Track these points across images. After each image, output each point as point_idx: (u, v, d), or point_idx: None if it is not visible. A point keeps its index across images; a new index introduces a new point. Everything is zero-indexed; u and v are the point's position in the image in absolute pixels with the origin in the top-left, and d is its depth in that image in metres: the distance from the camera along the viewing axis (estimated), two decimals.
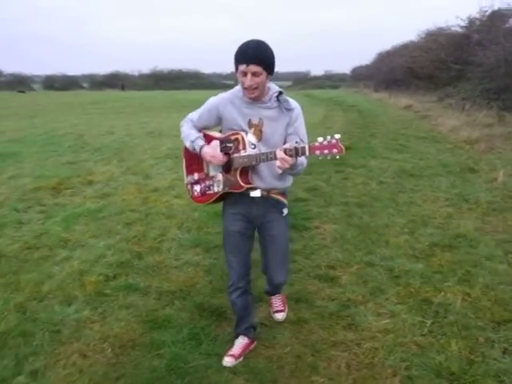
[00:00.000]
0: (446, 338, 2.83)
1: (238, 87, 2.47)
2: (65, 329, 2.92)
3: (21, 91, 51.39)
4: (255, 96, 2.38)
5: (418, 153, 9.22)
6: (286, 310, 3.11)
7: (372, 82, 42.72)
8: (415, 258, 4.04)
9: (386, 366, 2.58)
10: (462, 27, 25.72)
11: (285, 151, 2.22)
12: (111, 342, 2.79)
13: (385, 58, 42.18)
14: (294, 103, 2.51)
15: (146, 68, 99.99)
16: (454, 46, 24.67)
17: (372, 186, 6.60)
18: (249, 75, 2.30)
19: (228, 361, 2.64)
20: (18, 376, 2.48)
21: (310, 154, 2.19)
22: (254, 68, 2.28)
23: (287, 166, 2.23)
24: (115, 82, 73.63)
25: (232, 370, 2.56)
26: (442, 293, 3.38)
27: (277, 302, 3.08)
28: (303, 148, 2.20)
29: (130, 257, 4.03)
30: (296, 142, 2.37)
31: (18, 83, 69.55)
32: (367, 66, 53.14)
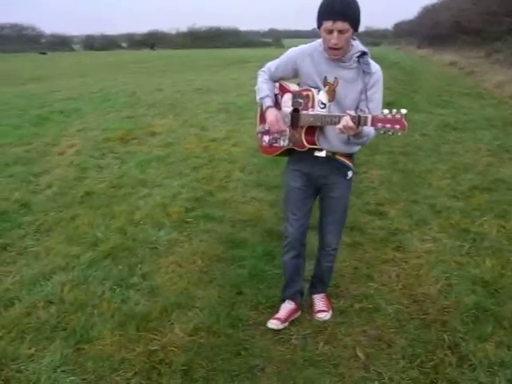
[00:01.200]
0: (481, 257, 3.33)
1: (319, 40, 2.36)
2: (160, 246, 3.57)
3: (42, 53, 50.86)
4: (339, 55, 2.28)
5: (461, 108, 9.44)
6: (330, 312, 2.78)
7: (416, 38, 41.60)
8: (455, 198, 4.50)
9: (429, 276, 3.11)
10: None
11: (351, 118, 2.14)
12: (200, 256, 3.42)
13: (430, 12, 40.83)
14: (375, 67, 2.35)
15: (183, 26, 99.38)
16: None
17: (415, 137, 6.98)
18: (335, 33, 2.18)
19: (273, 323, 2.64)
20: (133, 277, 3.14)
21: (371, 125, 2.11)
22: (340, 25, 2.15)
23: (350, 132, 2.18)
24: (153, 40, 74.03)
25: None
26: (480, 225, 3.85)
27: (319, 303, 2.81)
28: (366, 118, 2.11)
29: (202, 193, 4.64)
30: (361, 110, 2.30)
31: (60, 44, 70.92)
32: (410, 22, 51.51)
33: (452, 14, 30.32)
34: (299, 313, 2.76)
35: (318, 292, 2.86)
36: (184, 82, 15.09)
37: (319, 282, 2.87)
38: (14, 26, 76.01)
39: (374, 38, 67.44)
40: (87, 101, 11.49)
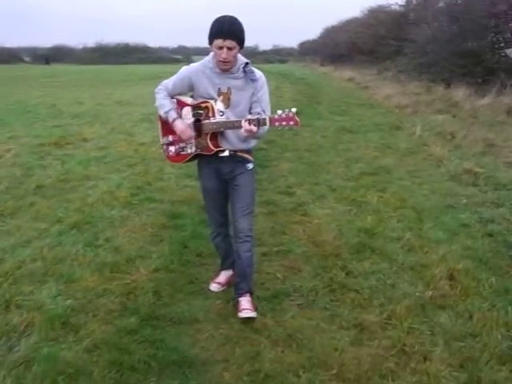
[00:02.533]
0: (364, 215, 4.48)
1: (207, 58, 2.73)
2: (115, 220, 4.33)
3: None
4: (228, 68, 2.65)
5: (356, 116, 10.96)
6: (255, 313, 2.85)
7: (319, 57, 44.44)
8: (348, 180, 5.70)
9: (326, 229, 4.18)
10: (400, 5, 27.60)
11: (248, 122, 2.53)
12: (149, 226, 4.24)
13: (330, 32, 43.78)
14: (258, 74, 2.75)
15: (90, 41, 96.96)
16: (393, 23, 26.54)
17: (317, 138, 8.24)
18: (225, 49, 2.55)
19: (215, 286, 3.19)
20: (98, 241, 3.89)
21: (270, 125, 2.54)
22: (229, 43, 2.53)
23: (251, 134, 2.59)
24: (59, 55, 71.77)
25: None
26: (364, 196, 5.05)
27: (246, 303, 2.88)
28: (264, 119, 2.53)
29: (141, 183, 5.44)
30: (258, 113, 2.66)
31: None
32: (314, 41, 54.64)
33: (349, 35, 33.04)
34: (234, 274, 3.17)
35: (244, 292, 2.93)
36: (102, 96, 15.52)
37: (243, 280, 2.95)
38: None
39: (281, 55, 70.70)
40: (6, 112, 11.63)
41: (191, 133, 2.77)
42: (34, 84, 21.77)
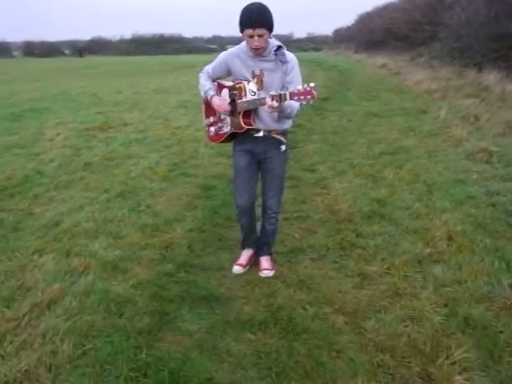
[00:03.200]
0: (378, 188, 4.88)
1: (243, 43, 2.87)
2: (154, 191, 4.91)
3: None
4: (260, 52, 2.81)
5: (384, 100, 11.22)
6: (273, 271, 3.27)
7: (353, 44, 44.14)
8: (368, 158, 6.09)
9: (343, 200, 4.61)
10: None
11: (272, 97, 2.65)
12: (185, 196, 4.79)
13: (365, 19, 43.35)
14: (289, 56, 2.87)
15: (127, 33, 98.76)
16: (428, 8, 26.19)
17: (343, 122, 8.62)
18: (255, 37, 2.70)
19: (237, 269, 3.28)
20: (140, 207, 4.46)
21: (290, 98, 2.63)
22: (259, 31, 2.68)
23: (274, 110, 2.71)
24: (97, 47, 73.71)
25: None
26: (381, 172, 5.44)
27: (265, 262, 3.32)
28: (285, 94, 2.63)
29: (178, 161, 6.01)
30: (281, 89, 2.76)
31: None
32: (348, 28, 54.15)
33: (384, 21, 32.76)
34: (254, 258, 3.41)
35: (265, 254, 3.37)
36: (140, 85, 16.25)
37: (265, 245, 3.37)
38: None
39: (316, 43, 70.43)
40: (53, 101, 12.46)
41: (227, 107, 2.94)
42: (75, 75, 22.81)
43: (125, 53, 67.32)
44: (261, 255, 3.37)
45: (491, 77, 12.74)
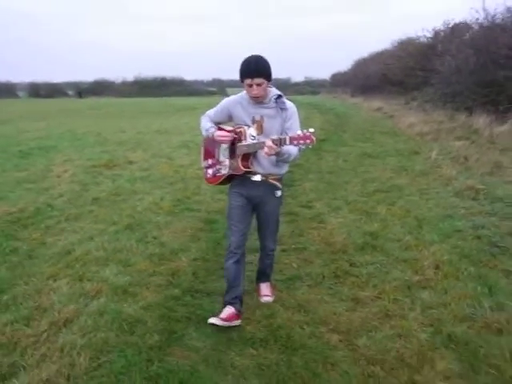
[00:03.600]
0: (372, 223, 5.18)
1: (245, 91, 3.06)
2: (160, 224, 5.18)
3: None
4: (260, 100, 3.00)
5: (378, 142, 11.67)
6: (273, 297, 3.48)
7: (349, 88, 45.38)
8: (362, 196, 6.42)
9: (338, 233, 4.90)
10: (427, 38, 28.40)
11: (272, 141, 2.78)
12: (189, 228, 5.07)
13: (361, 64, 44.72)
14: (289, 104, 3.07)
15: (129, 75, 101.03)
16: (421, 55, 27.25)
17: (339, 162, 9.00)
18: (254, 86, 2.90)
19: (214, 320, 2.99)
20: (147, 238, 4.74)
21: (290, 142, 2.76)
22: (257, 80, 2.88)
23: (273, 152, 2.80)
24: (100, 88, 75.43)
25: None
26: (375, 208, 5.75)
27: (265, 289, 3.54)
28: (284, 138, 2.77)
29: (181, 197, 6.32)
30: (281, 134, 2.92)
31: (4, 91, 70.48)
32: (345, 73, 55.67)
33: (380, 67, 33.90)
34: (239, 321, 3.08)
35: (264, 281, 3.58)
36: (142, 126, 16.76)
37: (263, 275, 3.57)
38: None
39: (313, 87, 72.12)
40: (59, 140, 12.88)
41: (229, 137, 3.07)
42: (79, 115, 23.45)
43: (127, 94, 68.76)
44: (261, 282, 3.58)
45: (481, 120, 13.28)
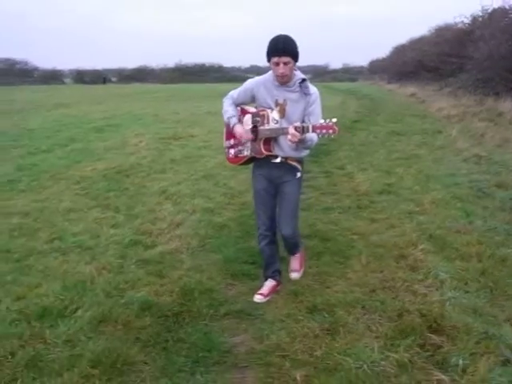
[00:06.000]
0: (390, 178, 6.64)
1: (270, 72, 3.03)
2: (228, 175, 6.80)
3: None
4: (285, 81, 2.96)
5: (407, 123, 12.98)
6: (302, 271, 3.54)
7: (386, 75, 45.95)
8: (386, 161, 7.87)
9: (364, 184, 6.39)
10: (465, 24, 28.89)
11: (295, 128, 2.77)
12: (249, 178, 6.66)
13: (399, 51, 45.11)
14: (312, 89, 3.03)
15: (170, 62, 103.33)
16: (457, 41, 27.84)
17: (369, 138, 10.44)
18: (281, 64, 2.86)
19: (258, 298, 3.27)
20: (218, 186, 6.37)
21: (312, 131, 2.76)
22: (284, 59, 2.84)
23: (296, 139, 2.79)
24: (142, 75, 78.02)
25: None
26: (395, 169, 7.20)
27: (294, 262, 3.53)
28: (307, 126, 2.77)
29: None
30: (303, 122, 2.93)
31: (51, 78, 73.77)
32: (383, 59, 55.86)
33: (416, 53, 34.54)
34: (280, 285, 3.43)
35: (293, 253, 3.56)
36: (192, 108, 18.49)
37: (289, 251, 3.54)
38: (6, 60, 79.01)
39: (351, 74, 72.35)
40: (123, 119, 14.71)
41: (249, 136, 3.08)
42: (131, 100, 25.43)
43: (168, 81, 70.88)
44: (290, 254, 3.60)
45: (506, 104, 14.32)
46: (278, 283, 3.43)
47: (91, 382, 2.40)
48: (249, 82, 3.17)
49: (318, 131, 2.76)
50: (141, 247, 4.20)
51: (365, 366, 2.51)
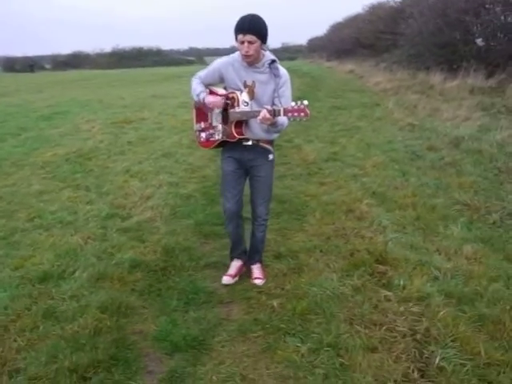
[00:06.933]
0: (334, 147, 7.30)
1: (237, 52, 2.95)
2: (185, 153, 7.22)
3: None
4: (251, 60, 2.87)
5: (347, 98, 13.78)
6: (265, 280, 3.36)
7: (325, 52, 46.98)
8: (330, 133, 8.55)
9: (311, 154, 7.01)
10: (396, 2, 30.17)
11: (267, 111, 2.73)
12: (206, 154, 7.11)
13: (336, 29, 46.16)
14: (282, 71, 2.95)
15: (107, 47, 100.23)
16: (390, 19, 29.05)
17: (313, 113, 10.94)
18: (246, 43, 2.78)
19: (226, 279, 3.35)
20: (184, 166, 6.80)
21: (284, 114, 2.73)
22: (249, 37, 2.77)
23: (268, 122, 2.78)
24: (78, 61, 75.34)
25: None
26: (338, 139, 7.87)
27: (257, 271, 3.42)
28: (279, 110, 2.73)
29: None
30: (275, 105, 2.85)
31: None
32: (321, 38, 56.88)
33: (353, 31, 35.66)
34: (244, 268, 3.50)
35: (255, 262, 3.48)
36: (137, 92, 18.48)
37: (255, 253, 3.47)
38: None
39: (290, 53, 73.06)
40: (69, 106, 14.57)
41: (221, 102, 3.00)
42: (71, 87, 24.91)
43: (105, 66, 68.82)
44: (252, 264, 3.50)
45: (436, 77, 15.42)
46: (244, 264, 3.53)
47: (103, 323, 2.85)
48: (216, 62, 3.08)
49: (290, 114, 2.73)
50: (118, 219, 4.60)
51: (328, 292, 3.10)
